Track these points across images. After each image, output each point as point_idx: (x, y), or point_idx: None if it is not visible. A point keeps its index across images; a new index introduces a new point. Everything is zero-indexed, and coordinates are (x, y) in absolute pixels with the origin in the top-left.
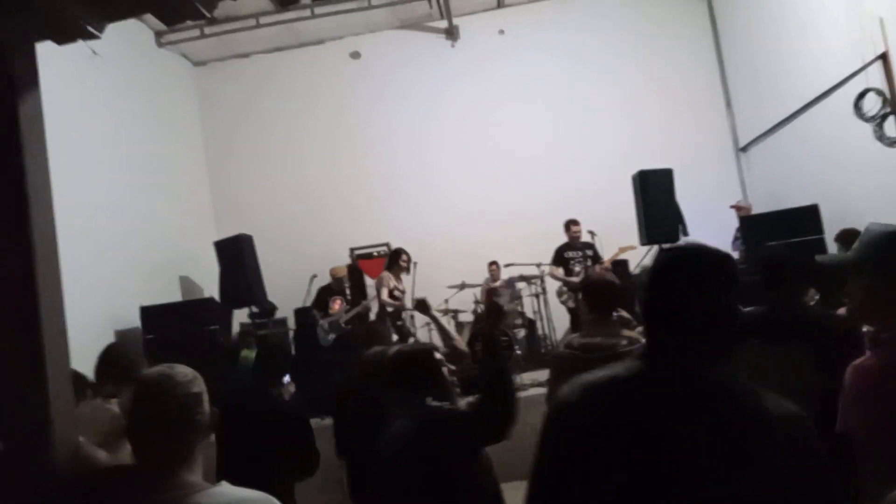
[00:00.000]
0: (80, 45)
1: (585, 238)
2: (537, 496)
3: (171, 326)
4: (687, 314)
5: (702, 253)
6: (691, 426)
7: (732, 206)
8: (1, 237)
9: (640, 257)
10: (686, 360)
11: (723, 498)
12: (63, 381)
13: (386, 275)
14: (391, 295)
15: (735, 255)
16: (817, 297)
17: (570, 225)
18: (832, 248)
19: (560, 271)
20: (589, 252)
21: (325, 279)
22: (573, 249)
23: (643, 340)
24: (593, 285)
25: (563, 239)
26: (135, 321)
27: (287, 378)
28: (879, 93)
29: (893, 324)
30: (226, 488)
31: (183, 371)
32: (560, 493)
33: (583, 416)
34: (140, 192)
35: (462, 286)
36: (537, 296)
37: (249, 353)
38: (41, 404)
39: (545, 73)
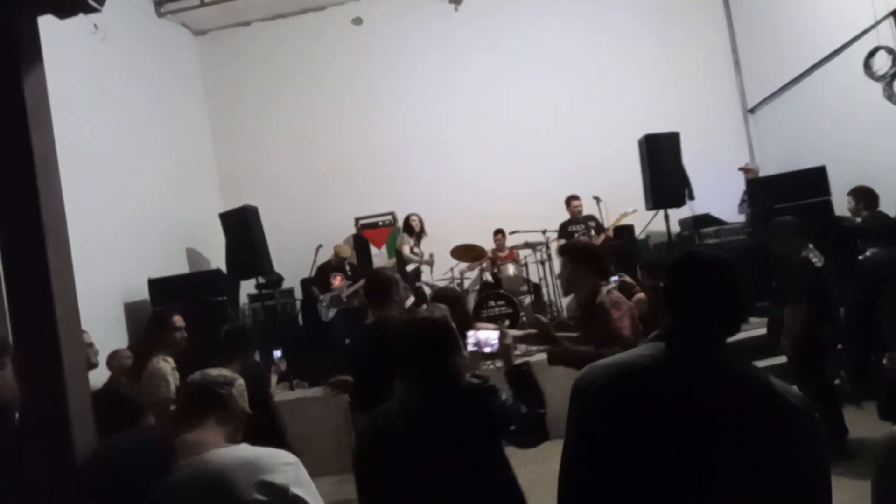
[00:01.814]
0: (80, 19)
1: (590, 205)
2: (569, 478)
3: (178, 298)
4: (703, 305)
5: (715, 259)
6: (709, 405)
7: (741, 169)
8: (11, 212)
9: (646, 222)
10: (701, 343)
11: (737, 473)
12: (77, 359)
13: (405, 235)
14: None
15: (741, 217)
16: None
17: (571, 200)
18: (840, 208)
19: None
20: (591, 223)
21: (330, 249)
22: (576, 223)
23: None
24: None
25: None
26: (143, 293)
27: (278, 353)
28: (890, 51)
29: None
30: (242, 446)
31: (220, 372)
32: (591, 473)
33: (608, 398)
34: (144, 165)
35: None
36: (543, 262)
37: None
38: (57, 383)
39: (551, 38)
